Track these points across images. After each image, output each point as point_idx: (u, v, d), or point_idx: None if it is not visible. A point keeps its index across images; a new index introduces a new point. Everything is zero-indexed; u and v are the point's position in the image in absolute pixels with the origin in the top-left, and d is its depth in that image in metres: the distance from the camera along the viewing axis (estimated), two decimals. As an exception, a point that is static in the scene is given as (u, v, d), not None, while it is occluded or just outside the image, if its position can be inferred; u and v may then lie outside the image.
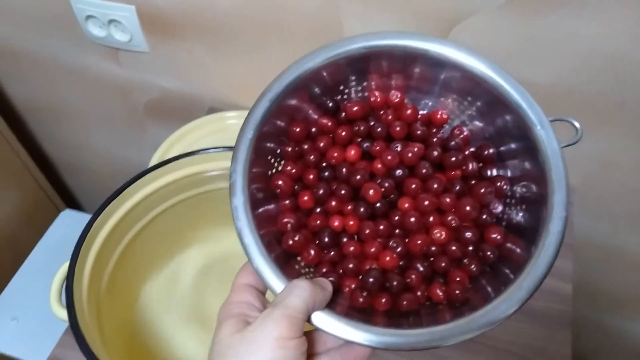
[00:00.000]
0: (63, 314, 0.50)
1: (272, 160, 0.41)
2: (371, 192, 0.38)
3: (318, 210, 0.40)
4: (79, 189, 1.32)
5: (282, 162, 0.41)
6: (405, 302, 0.37)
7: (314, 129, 0.42)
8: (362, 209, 0.39)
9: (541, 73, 0.63)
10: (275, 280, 0.34)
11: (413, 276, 0.37)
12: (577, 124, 0.40)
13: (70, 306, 0.49)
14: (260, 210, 0.38)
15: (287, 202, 0.40)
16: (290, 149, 0.41)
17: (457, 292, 0.37)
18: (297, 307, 0.31)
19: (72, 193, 1.34)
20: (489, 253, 0.38)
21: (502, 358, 0.64)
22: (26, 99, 1.05)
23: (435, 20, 0.62)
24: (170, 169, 0.58)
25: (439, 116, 0.43)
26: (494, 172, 0.41)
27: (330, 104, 0.42)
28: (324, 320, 0.33)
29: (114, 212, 0.56)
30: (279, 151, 0.41)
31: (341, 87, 0.43)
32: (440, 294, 0.37)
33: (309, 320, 0.33)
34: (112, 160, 1.12)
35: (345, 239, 0.39)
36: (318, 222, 0.39)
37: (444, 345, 0.34)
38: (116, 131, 1.03)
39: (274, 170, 0.41)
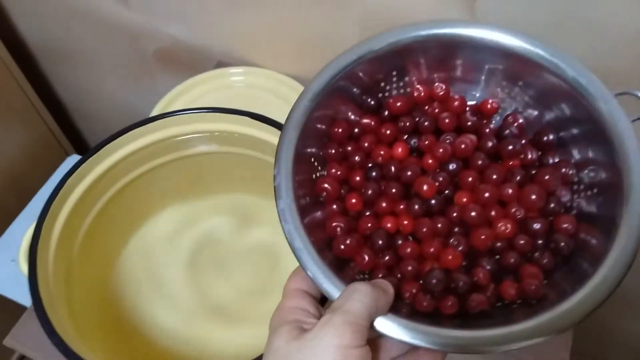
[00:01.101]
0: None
1: (316, 164, 0.38)
2: (425, 187, 0.36)
3: (368, 213, 0.38)
4: (90, 133, 1.29)
5: (326, 165, 0.39)
6: (474, 303, 0.33)
7: (356, 130, 0.40)
8: (416, 206, 0.36)
9: (578, 53, 0.58)
10: (331, 284, 0.31)
11: (480, 274, 0.34)
12: (644, 95, 0.36)
13: (32, 267, 0.45)
14: (308, 217, 0.35)
15: (335, 206, 0.37)
16: (333, 151, 0.39)
17: (533, 287, 0.33)
18: (358, 312, 0.28)
19: (83, 137, 1.31)
20: (562, 244, 0.34)
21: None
22: (38, 40, 1.03)
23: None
24: (150, 129, 0.53)
25: (489, 106, 0.40)
26: (556, 159, 0.38)
27: (372, 102, 0.40)
28: (387, 324, 0.30)
29: (89, 171, 0.52)
30: (321, 154, 0.39)
31: (382, 84, 0.41)
32: (513, 291, 0.34)
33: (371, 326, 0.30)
34: (121, 106, 1.10)
35: (400, 241, 0.36)
36: (369, 225, 0.36)
37: (523, 345, 0.30)
38: (126, 77, 1.01)
39: (317, 174, 0.38)
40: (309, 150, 0.38)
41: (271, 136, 0.52)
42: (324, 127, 0.39)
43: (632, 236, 0.31)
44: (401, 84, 0.41)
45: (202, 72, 0.78)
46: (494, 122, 0.41)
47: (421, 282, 0.35)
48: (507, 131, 0.39)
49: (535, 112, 0.40)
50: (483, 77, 0.41)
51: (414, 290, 0.34)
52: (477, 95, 0.41)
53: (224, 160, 0.58)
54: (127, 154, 0.53)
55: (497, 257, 0.36)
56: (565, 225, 0.35)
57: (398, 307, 0.32)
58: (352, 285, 0.30)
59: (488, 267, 0.35)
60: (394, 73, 0.40)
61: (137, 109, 1.09)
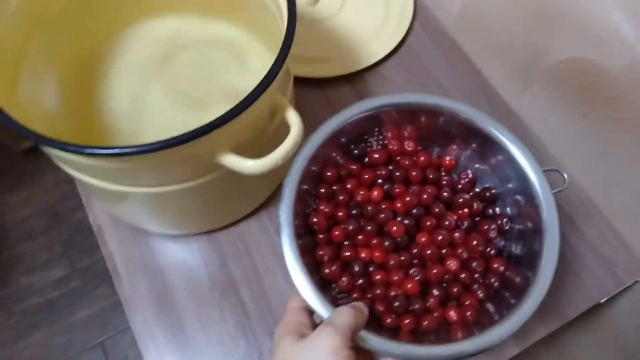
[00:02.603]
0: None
1: (309, 200, 0.47)
2: (395, 228, 0.45)
3: (348, 243, 0.47)
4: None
5: (317, 201, 0.48)
6: (426, 323, 0.43)
7: (342, 172, 0.49)
8: (387, 243, 0.45)
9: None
10: (322, 308, 0.40)
11: (432, 300, 0.44)
12: (565, 175, 0.47)
13: None
14: (301, 242, 0.44)
15: (322, 236, 0.46)
16: (324, 191, 0.47)
17: (469, 313, 0.44)
18: (345, 324, 0.37)
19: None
20: (492, 280, 0.45)
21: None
22: None
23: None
24: None
25: (447, 162, 0.50)
26: (497, 210, 0.49)
27: (357, 152, 0.49)
28: (367, 338, 0.39)
29: None
30: (314, 192, 0.47)
31: (366, 137, 0.50)
32: (455, 315, 0.44)
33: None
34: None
35: (372, 269, 0.46)
36: (348, 253, 0.46)
37: (464, 357, 0.40)
38: None
39: (309, 209, 0.47)
40: (305, 187, 0.46)
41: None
42: (316, 169, 0.47)
43: (544, 281, 0.42)
44: (381, 137, 0.50)
45: None
46: (449, 175, 0.51)
47: (387, 301, 0.45)
48: (460, 185, 0.49)
49: (483, 168, 0.50)
50: (444, 137, 0.50)
51: (382, 309, 0.44)
52: (438, 150, 0.51)
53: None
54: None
55: (445, 285, 0.46)
56: (496, 266, 0.46)
57: (370, 322, 0.42)
58: (339, 308, 0.39)
59: (438, 294, 0.45)
60: (376, 129, 0.49)
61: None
